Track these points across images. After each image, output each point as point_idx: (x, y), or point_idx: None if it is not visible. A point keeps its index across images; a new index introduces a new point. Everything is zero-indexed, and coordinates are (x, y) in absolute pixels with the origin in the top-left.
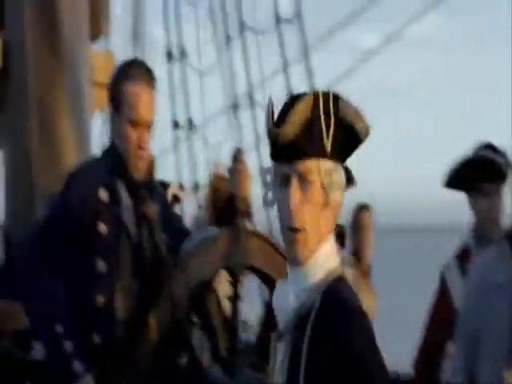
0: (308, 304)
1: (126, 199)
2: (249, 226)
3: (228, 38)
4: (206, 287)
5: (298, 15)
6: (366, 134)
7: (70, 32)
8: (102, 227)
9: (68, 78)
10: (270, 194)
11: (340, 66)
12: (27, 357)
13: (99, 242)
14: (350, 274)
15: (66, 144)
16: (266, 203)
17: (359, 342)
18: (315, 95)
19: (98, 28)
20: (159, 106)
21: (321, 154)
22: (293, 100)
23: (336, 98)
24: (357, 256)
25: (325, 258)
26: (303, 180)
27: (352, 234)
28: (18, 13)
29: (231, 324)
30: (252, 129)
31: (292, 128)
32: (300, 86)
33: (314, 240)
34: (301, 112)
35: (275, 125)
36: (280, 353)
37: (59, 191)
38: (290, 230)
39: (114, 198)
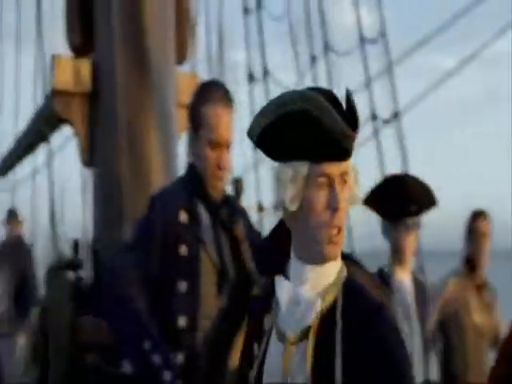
0: (332, 300)
1: (205, 220)
2: None
3: (313, 59)
4: None
5: (382, 35)
6: None
7: (157, 55)
8: (183, 249)
9: (156, 101)
10: (285, 194)
11: (419, 85)
12: (116, 371)
13: (180, 263)
14: (453, 284)
15: (154, 166)
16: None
17: (390, 337)
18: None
19: (183, 51)
20: (241, 127)
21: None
22: (350, 98)
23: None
24: (470, 266)
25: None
26: (341, 180)
27: (467, 243)
28: (108, 37)
29: None
30: None
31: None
32: (383, 106)
33: (344, 237)
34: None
35: (352, 128)
36: (298, 353)
37: (144, 214)
38: (335, 230)
39: (194, 219)
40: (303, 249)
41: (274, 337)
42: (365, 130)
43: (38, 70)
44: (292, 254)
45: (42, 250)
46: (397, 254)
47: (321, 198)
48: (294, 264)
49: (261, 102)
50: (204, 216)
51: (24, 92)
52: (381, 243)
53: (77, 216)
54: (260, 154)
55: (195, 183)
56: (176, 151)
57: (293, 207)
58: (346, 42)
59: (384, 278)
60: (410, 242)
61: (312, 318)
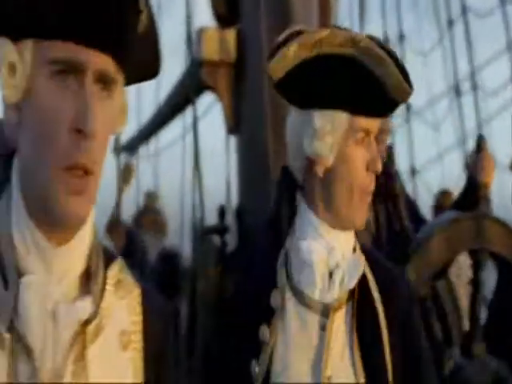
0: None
1: None
2: (490, 212)
3: (450, 22)
4: (443, 269)
5: None
6: None
7: (301, 23)
8: None
9: None
10: (321, 145)
11: None
12: None
13: None
14: None
15: None
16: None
17: (413, 301)
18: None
19: (326, 17)
20: None
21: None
22: (394, 52)
23: None
24: None
25: None
26: (378, 138)
27: None
28: (253, 6)
29: (471, 308)
30: (474, 112)
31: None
32: None
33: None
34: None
35: (410, 86)
36: (333, 323)
37: None
38: (366, 193)
39: None
40: (327, 211)
41: (295, 313)
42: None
43: (182, 40)
44: (310, 215)
45: (186, 217)
46: None
47: (360, 155)
48: (313, 224)
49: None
50: None
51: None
52: None
53: (219, 181)
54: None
55: None
56: None
57: (328, 161)
58: (485, 3)
59: None
60: None
61: (356, 280)
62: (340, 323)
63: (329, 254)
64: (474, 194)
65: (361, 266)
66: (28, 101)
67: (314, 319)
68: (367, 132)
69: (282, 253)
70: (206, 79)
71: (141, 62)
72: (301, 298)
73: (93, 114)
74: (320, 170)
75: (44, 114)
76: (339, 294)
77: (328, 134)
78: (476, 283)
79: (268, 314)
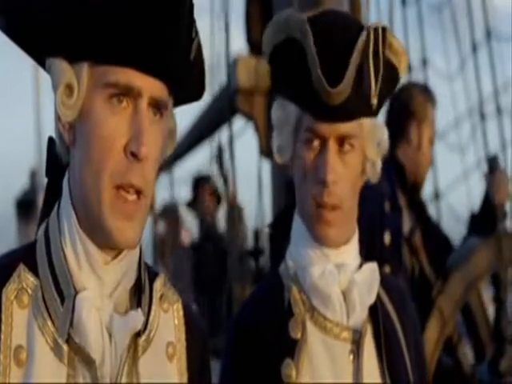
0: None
1: (405, 209)
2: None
3: (474, 47)
4: (473, 294)
5: None
6: (403, 74)
7: None
8: (387, 238)
9: None
10: (273, 141)
11: None
12: None
13: (384, 251)
14: None
15: None
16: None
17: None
18: (368, 36)
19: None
20: None
21: (366, 112)
22: (345, 46)
23: (384, 31)
24: None
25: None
26: (343, 144)
27: None
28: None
29: (496, 326)
30: (497, 135)
31: (348, 87)
32: None
33: (351, 219)
34: (355, 64)
35: (330, 83)
36: (363, 349)
37: None
38: (322, 207)
39: (396, 208)
40: (304, 224)
41: (320, 343)
42: None
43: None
44: (303, 229)
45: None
46: None
47: (309, 159)
48: (309, 242)
49: None
50: (404, 206)
51: None
52: None
53: (251, 202)
54: None
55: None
56: None
57: (279, 159)
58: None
59: None
60: None
61: (375, 294)
62: (369, 346)
63: (339, 272)
64: (491, 214)
65: (377, 278)
66: (83, 120)
67: (342, 348)
68: (318, 135)
69: (284, 273)
70: (241, 106)
71: (189, 87)
72: (324, 326)
73: (146, 138)
74: (290, 171)
75: (99, 134)
76: (362, 315)
77: (277, 129)
78: (499, 300)
79: (289, 346)
